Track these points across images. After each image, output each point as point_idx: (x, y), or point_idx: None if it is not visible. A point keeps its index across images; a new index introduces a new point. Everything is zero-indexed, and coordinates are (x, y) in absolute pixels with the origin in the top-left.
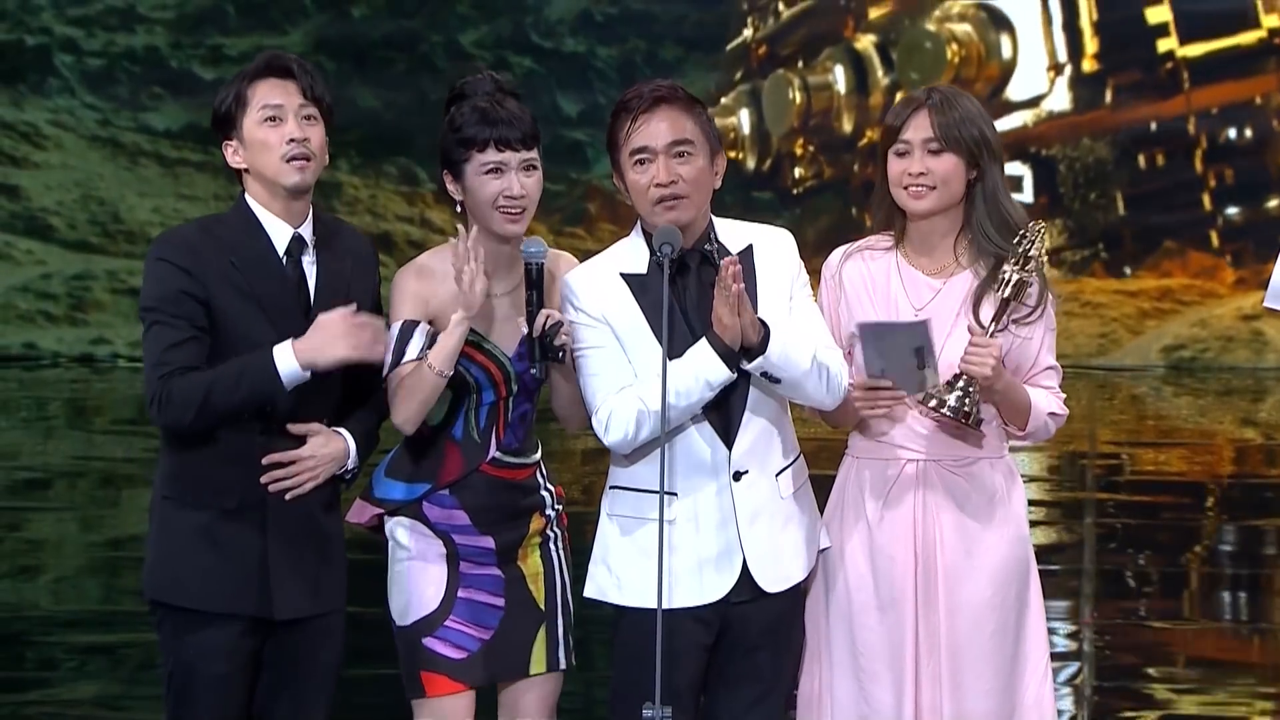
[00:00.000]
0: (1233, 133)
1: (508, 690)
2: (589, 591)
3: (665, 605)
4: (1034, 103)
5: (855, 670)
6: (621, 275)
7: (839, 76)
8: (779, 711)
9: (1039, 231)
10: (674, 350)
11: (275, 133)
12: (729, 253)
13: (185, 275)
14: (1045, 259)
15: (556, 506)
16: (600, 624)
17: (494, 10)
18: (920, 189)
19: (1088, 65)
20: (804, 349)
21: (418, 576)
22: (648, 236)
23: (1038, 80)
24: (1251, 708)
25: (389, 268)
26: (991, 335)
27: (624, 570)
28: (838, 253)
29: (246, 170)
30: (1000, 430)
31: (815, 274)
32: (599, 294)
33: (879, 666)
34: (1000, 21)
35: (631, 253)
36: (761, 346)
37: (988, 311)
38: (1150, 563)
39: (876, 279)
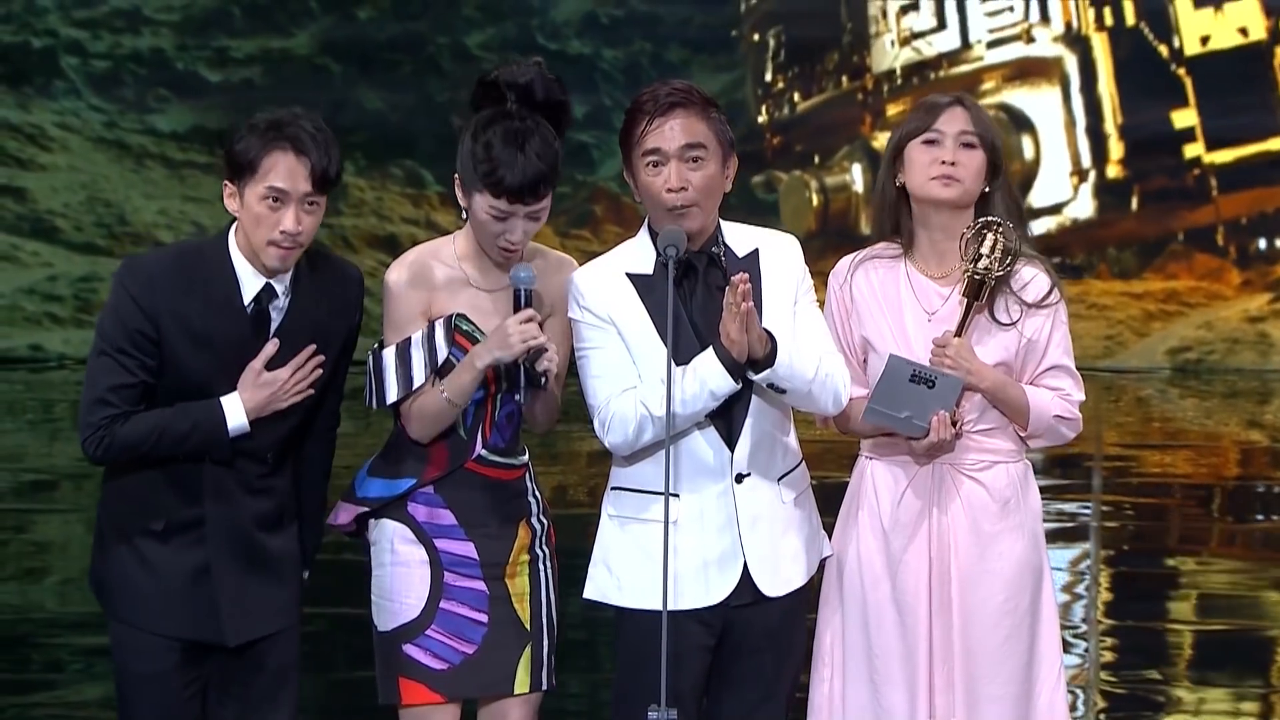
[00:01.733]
0: (1263, 243)
1: (489, 708)
2: (589, 593)
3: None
4: (1057, 209)
5: (869, 673)
6: (628, 275)
7: (857, 176)
8: (781, 714)
9: (974, 228)
10: (678, 351)
11: (273, 216)
12: (735, 256)
13: (141, 314)
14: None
15: (543, 519)
16: (605, 626)
17: (500, 12)
18: (949, 179)
19: (1113, 171)
20: (809, 360)
21: (400, 583)
22: (654, 236)
23: (1061, 186)
24: (1255, 710)
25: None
26: (959, 336)
27: (625, 571)
28: (845, 262)
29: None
30: (1015, 434)
31: (818, 276)
32: (605, 294)
33: (893, 669)
34: (1022, 123)
35: (638, 253)
36: (769, 360)
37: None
38: (1156, 564)
39: (886, 288)
